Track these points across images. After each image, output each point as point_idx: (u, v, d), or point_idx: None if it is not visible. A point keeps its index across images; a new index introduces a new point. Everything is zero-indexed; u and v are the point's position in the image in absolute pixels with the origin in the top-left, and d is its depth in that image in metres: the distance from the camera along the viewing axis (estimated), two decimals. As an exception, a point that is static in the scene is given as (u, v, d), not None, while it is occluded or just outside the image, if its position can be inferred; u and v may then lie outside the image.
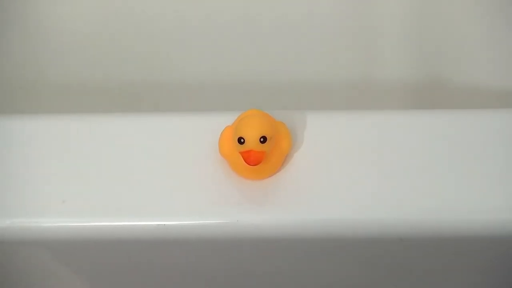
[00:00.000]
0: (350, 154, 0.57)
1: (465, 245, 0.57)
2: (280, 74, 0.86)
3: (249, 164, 0.53)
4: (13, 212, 0.55)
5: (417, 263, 0.60)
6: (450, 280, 0.63)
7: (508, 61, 0.82)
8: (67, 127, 0.58)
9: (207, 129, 0.57)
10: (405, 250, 0.57)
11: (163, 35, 0.88)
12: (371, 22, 0.89)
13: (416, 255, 0.58)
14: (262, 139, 0.52)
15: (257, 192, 0.55)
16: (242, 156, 0.53)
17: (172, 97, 0.85)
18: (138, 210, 0.55)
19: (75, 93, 0.85)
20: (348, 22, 0.89)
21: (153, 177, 0.56)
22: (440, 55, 0.86)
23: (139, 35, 0.88)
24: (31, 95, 0.85)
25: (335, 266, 0.60)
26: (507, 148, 0.57)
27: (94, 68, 0.86)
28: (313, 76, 0.86)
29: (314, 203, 0.55)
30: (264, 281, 0.62)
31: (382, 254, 0.58)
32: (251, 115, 0.54)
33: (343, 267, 0.61)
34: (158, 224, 0.54)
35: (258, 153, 0.53)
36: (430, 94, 0.84)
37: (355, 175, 0.56)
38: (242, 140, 0.52)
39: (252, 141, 0.52)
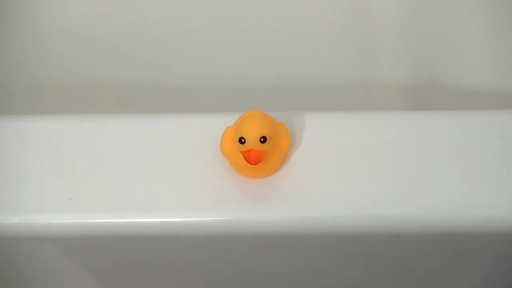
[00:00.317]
0: (347, 154, 0.57)
1: (461, 242, 0.57)
2: (279, 76, 0.86)
3: (249, 163, 0.53)
4: (22, 209, 0.55)
5: (415, 262, 0.60)
6: (449, 280, 0.63)
7: (503, 63, 0.82)
8: (74, 127, 0.58)
9: (209, 130, 0.57)
10: (403, 248, 0.57)
11: (166, 39, 0.88)
12: (369, 25, 0.89)
13: (414, 253, 0.58)
14: (262, 139, 0.52)
15: (257, 190, 0.55)
16: (243, 156, 0.53)
17: (175, 99, 0.84)
18: (142, 207, 0.55)
19: (80, 95, 0.85)
20: (346, 25, 0.89)
21: (157, 175, 0.56)
22: (437, 57, 0.86)
23: (142, 39, 0.88)
24: (34, 97, 0.85)
25: (333, 263, 0.61)
26: (502, 147, 0.57)
27: (99, 70, 0.86)
28: (312, 78, 0.86)
29: (312, 201, 0.55)
30: (264, 276, 0.63)
31: (380, 251, 0.58)
32: (252, 116, 0.54)
33: (341, 264, 0.61)
34: (162, 221, 0.54)
35: (258, 153, 0.53)
36: (427, 95, 0.84)
37: (352, 174, 0.56)
38: (243, 140, 0.52)
39: (252, 141, 0.52)
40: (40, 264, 0.60)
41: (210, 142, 0.56)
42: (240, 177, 0.56)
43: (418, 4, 0.89)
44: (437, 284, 0.63)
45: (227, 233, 0.55)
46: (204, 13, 0.90)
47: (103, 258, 0.59)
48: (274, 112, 0.56)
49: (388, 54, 0.87)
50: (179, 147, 0.57)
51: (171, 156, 0.57)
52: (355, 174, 0.56)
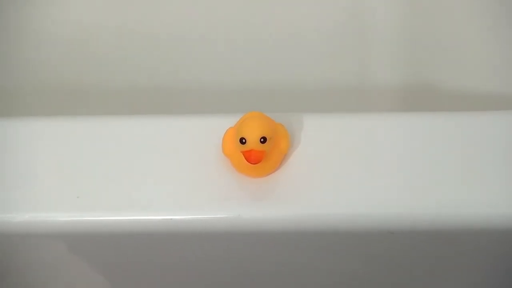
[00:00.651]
0: (345, 153, 0.57)
1: (457, 240, 0.57)
2: (279, 79, 0.86)
3: (250, 163, 0.53)
4: (31, 207, 0.55)
5: (414, 261, 0.60)
6: (448, 280, 0.63)
7: (497, 65, 0.82)
8: (82, 129, 0.58)
9: (211, 130, 0.57)
10: (401, 247, 0.58)
11: (171, 44, 0.88)
12: (366, 30, 0.89)
13: (412, 251, 0.59)
14: (262, 140, 0.53)
15: (258, 188, 0.55)
16: (244, 155, 0.53)
17: (178, 101, 0.85)
18: (147, 205, 0.55)
19: (87, 98, 0.85)
20: (344, 29, 0.89)
21: (161, 174, 0.56)
22: (432, 61, 0.86)
23: (146, 43, 0.88)
24: (43, 99, 0.85)
25: (331, 260, 0.61)
26: (496, 147, 0.57)
27: (105, 74, 0.86)
28: (311, 80, 0.86)
29: (311, 199, 0.55)
30: (264, 272, 0.63)
31: (378, 249, 0.58)
32: (252, 117, 0.54)
33: (339, 261, 0.61)
34: (166, 218, 0.55)
35: (258, 153, 0.53)
36: (422, 97, 0.84)
37: (349, 173, 0.56)
38: (243, 140, 0.53)
39: (253, 141, 0.52)
40: (47, 261, 0.60)
41: (212, 142, 0.56)
42: (241, 176, 0.56)
43: (414, 9, 0.88)
44: (437, 284, 0.63)
45: (229, 230, 0.55)
46: (207, 19, 0.90)
47: (109, 254, 0.59)
48: (274, 114, 0.56)
49: (385, 57, 0.87)
50: (182, 147, 0.57)
51: (175, 156, 0.57)
52: (352, 173, 0.56)
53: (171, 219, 0.55)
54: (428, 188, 0.55)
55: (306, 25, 0.89)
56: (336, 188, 0.55)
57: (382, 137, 0.57)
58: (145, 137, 0.58)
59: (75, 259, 0.60)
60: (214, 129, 0.57)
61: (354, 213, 0.55)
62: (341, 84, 0.86)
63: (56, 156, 0.57)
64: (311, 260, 0.61)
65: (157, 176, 0.56)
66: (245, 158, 0.53)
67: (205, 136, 0.57)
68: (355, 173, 0.56)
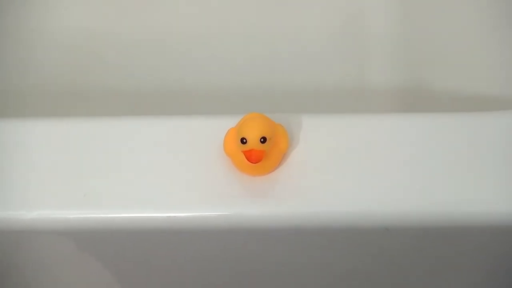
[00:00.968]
0: (342, 153, 0.57)
1: (452, 238, 0.57)
2: (279, 81, 0.86)
3: (250, 162, 0.53)
4: (39, 205, 0.55)
5: (409, 259, 0.61)
6: (448, 280, 0.63)
7: (489, 68, 0.81)
8: (88, 129, 0.58)
9: (213, 131, 0.57)
10: (394, 243, 0.58)
11: (174, 48, 0.88)
12: (363, 33, 0.89)
13: (411, 250, 0.59)
14: (262, 140, 0.53)
15: (258, 186, 0.55)
16: (245, 155, 0.53)
17: (181, 103, 0.84)
18: (151, 203, 0.55)
19: (94, 100, 0.85)
20: (341, 33, 0.89)
21: (164, 173, 0.56)
22: (427, 63, 0.85)
23: (151, 48, 0.88)
24: (50, 101, 0.85)
25: (328, 256, 0.61)
26: (489, 147, 0.57)
27: (112, 77, 0.86)
28: (309, 82, 0.85)
29: (309, 197, 0.55)
30: (263, 268, 0.63)
31: (375, 246, 0.59)
32: (252, 118, 0.54)
33: (336, 258, 0.61)
34: (169, 216, 0.55)
35: (258, 152, 0.53)
36: (417, 99, 0.84)
37: (346, 172, 0.56)
38: (244, 140, 0.53)
39: (253, 141, 0.53)
40: (55, 256, 0.61)
41: (214, 142, 0.57)
42: (241, 174, 0.56)
43: (410, 13, 0.88)
44: (436, 282, 0.64)
45: (230, 227, 0.55)
46: (208, 23, 0.90)
47: (114, 250, 0.60)
48: (273, 114, 0.56)
49: (382, 60, 0.87)
50: (185, 147, 0.57)
51: (178, 155, 0.57)
52: (349, 172, 0.56)
53: (174, 216, 0.55)
54: (424, 187, 0.55)
55: (305, 28, 0.89)
56: (333, 186, 0.55)
57: (379, 137, 0.57)
58: (148, 138, 0.58)
59: (81, 255, 0.60)
60: (216, 129, 0.57)
61: (351, 211, 0.55)
62: (339, 86, 0.86)
63: (64, 156, 0.57)
64: (309, 256, 0.61)
65: (161, 174, 0.56)
66: (246, 158, 0.53)
67: (207, 136, 0.57)
68: (352, 172, 0.56)
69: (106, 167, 0.56)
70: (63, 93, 0.86)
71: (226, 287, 0.65)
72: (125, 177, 0.56)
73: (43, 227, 0.55)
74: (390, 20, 0.89)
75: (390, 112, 0.84)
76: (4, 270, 0.62)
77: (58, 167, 0.56)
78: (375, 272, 0.63)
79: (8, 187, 0.56)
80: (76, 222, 0.55)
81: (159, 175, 0.56)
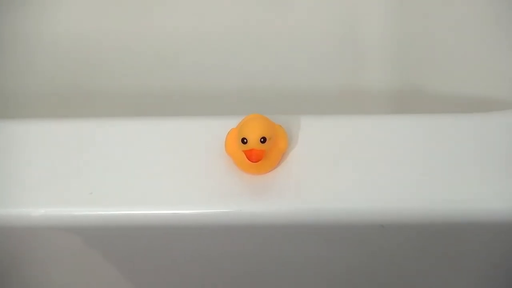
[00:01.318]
0: (338, 152, 0.57)
1: (445, 235, 0.57)
2: (278, 84, 0.86)
3: (251, 161, 0.53)
4: (47, 202, 0.55)
5: (405, 255, 0.60)
6: (444, 278, 0.63)
7: (480, 70, 0.81)
8: (94, 130, 0.58)
9: (215, 131, 0.57)
10: (391, 239, 0.58)
11: (177, 52, 0.88)
12: (359, 37, 0.88)
13: (403, 245, 0.59)
14: (262, 140, 0.53)
15: (258, 185, 0.55)
16: (245, 154, 0.53)
17: (184, 104, 0.84)
18: (155, 201, 0.55)
19: (99, 101, 0.85)
20: (338, 37, 0.88)
21: (168, 172, 0.56)
22: (420, 66, 0.85)
23: (155, 52, 0.88)
24: (58, 102, 0.85)
25: (325, 252, 0.60)
26: (478, 147, 0.57)
27: (117, 79, 0.86)
28: (307, 85, 0.85)
29: (307, 194, 0.55)
30: (263, 263, 0.63)
31: (369, 241, 0.58)
32: (253, 119, 0.54)
33: (333, 253, 0.61)
34: (172, 213, 0.55)
35: (259, 152, 0.53)
36: (410, 100, 0.84)
37: (343, 171, 0.56)
38: (245, 140, 0.53)
39: (253, 141, 0.53)
40: (62, 252, 0.60)
41: (216, 142, 0.57)
42: (242, 173, 0.56)
43: (404, 18, 0.88)
44: (434, 281, 0.64)
45: (231, 223, 0.55)
46: (210, 28, 0.89)
47: (118, 247, 0.60)
48: (273, 116, 0.56)
49: (377, 63, 0.87)
50: (188, 147, 0.57)
51: (181, 155, 0.57)
52: (345, 171, 0.56)
53: (177, 213, 0.55)
54: (418, 185, 0.55)
55: (303, 33, 0.89)
56: (330, 184, 0.55)
57: (375, 138, 0.58)
58: (152, 138, 0.58)
59: (87, 251, 0.60)
60: (218, 130, 0.57)
61: (347, 208, 0.55)
62: (336, 88, 0.86)
63: (70, 156, 0.57)
64: (308, 253, 0.61)
65: (164, 173, 0.56)
66: (247, 157, 0.53)
67: (209, 136, 0.57)
68: (348, 171, 0.56)
69: (111, 166, 0.57)
70: (67, 95, 0.85)
71: (227, 283, 0.65)
72: (130, 176, 0.56)
73: (50, 224, 0.55)
74: (387, 24, 0.88)
75: (385, 113, 0.84)
76: (12, 265, 0.62)
77: (65, 167, 0.57)
78: (374, 269, 0.63)
79: (18, 185, 0.56)
80: (82, 219, 0.55)
81: (163, 173, 0.56)
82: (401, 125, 0.58)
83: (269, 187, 0.55)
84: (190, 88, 0.86)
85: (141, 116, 0.60)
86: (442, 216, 0.55)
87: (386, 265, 0.62)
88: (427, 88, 0.84)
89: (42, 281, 0.64)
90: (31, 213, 0.55)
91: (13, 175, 0.56)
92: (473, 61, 0.82)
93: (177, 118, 0.59)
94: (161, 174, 0.56)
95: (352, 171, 0.56)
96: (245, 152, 0.53)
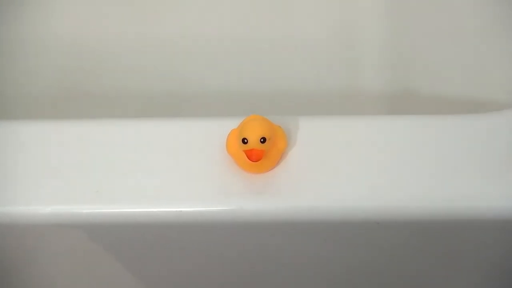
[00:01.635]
0: (336, 152, 0.57)
1: (440, 232, 0.58)
2: (277, 86, 0.86)
3: (251, 161, 0.53)
4: (54, 200, 0.55)
5: (401, 252, 0.60)
6: (443, 276, 0.63)
7: (471, 72, 0.81)
8: (100, 130, 0.58)
9: (216, 131, 0.57)
10: (387, 236, 0.58)
11: (180, 56, 0.88)
12: (354, 41, 0.88)
13: (399, 242, 0.59)
14: (262, 140, 0.53)
15: (258, 183, 0.56)
16: (246, 154, 0.54)
17: (186, 106, 0.84)
18: (159, 199, 0.55)
19: (104, 102, 0.85)
20: (334, 41, 0.89)
21: (172, 171, 0.56)
22: (413, 69, 0.85)
23: (158, 55, 0.88)
24: (65, 104, 0.85)
25: (323, 248, 0.61)
26: (469, 147, 0.57)
27: (122, 80, 0.86)
28: (305, 87, 0.86)
29: (305, 193, 0.55)
30: (263, 260, 0.63)
31: (366, 238, 0.58)
32: (253, 120, 0.54)
33: (330, 250, 0.61)
34: (176, 210, 0.55)
35: (259, 151, 0.53)
36: (404, 102, 0.84)
37: (340, 170, 0.56)
38: (245, 141, 0.53)
39: (254, 141, 0.53)
40: (67, 249, 0.61)
41: (217, 142, 0.57)
42: (243, 172, 0.56)
43: (397, 22, 0.88)
44: (435, 280, 0.64)
45: (232, 220, 0.55)
46: (212, 32, 0.89)
47: (124, 244, 0.60)
48: (273, 116, 0.57)
49: (371, 66, 0.87)
50: (191, 147, 0.57)
51: (184, 154, 0.57)
52: (342, 170, 0.56)
53: (180, 211, 0.55)
54: (412, 183, 0.55)
55: (302, 37, 0.89)
56: (328, 182, 0.56)
57: (370, 137, 0.58)
58: (156, 138, 0.58)
59: (93, 248, 0.60)
60: (219, 130, 0.57)
61: (344, 205, 0.55)
62: (333, 90, 0.86)
63: (77, 155, 0.57)
64: (306, 249, 0.61)
65: (168, 172, 0.56)
66: (247, 156, 0.54)
67: (210, 136, 0.57)
68: (345, 170, 0.56)
69: (116, 166, 0.57)
70: (70, 97, 0.85)
71: (228, 279, 0.65)
72: (134, 175, 0.56)
73: (58, 221, 0.55)
74: (381, 28, 0.88)
75: (379, 114, 0.84)
76: (20, 262, 0.62)
77: (72, 166, 0.57)
78: (373, 268, 0.63)
79: (27, 183, 0.56)
80: (88, 216, 0.55)
81: (166, 172, 0.56)
82: (397, 125, 0.58)
83: (268, 185, 0.55)
84: (192, 90, 0.86)
85: (145, 117, 0.60)
86: (437, 213, 0.55)
87: (384, 264, 0.62)
88: (421, 90, 0.84)
89: (47, 277, 0.64)
90: (39, 211, 0.55)
91: (22, 174, 0.56)
92: (466, 64, 0.82)
93: (180, 119, 0.59)
94: (165, 173, 0.56)
95: (349, 170, 0.56)
96: (246, 152, 0.54)
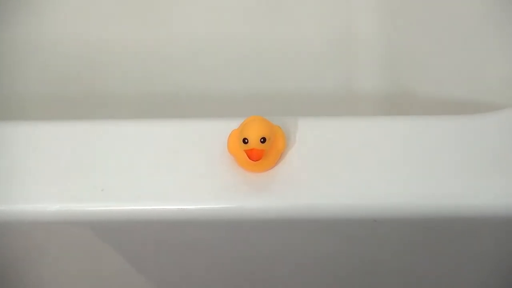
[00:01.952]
0: (334, 151, 0.57)
1: (436, 230, 0.58)
2: (277, 88, 0.86)
3: (251, 160, 0.54)
4: (61, 198, 0.56)
5: (397, 249, 0.60)
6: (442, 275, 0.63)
7: (466, 75, 0.81)
8: (105, 131, 0.58)
9: (218, 132, 0.57)
10: (383, 233, 0.58)
11: (183, 59, 0.88)
12: (352, 44, 0.88)
13: (394, 238, 0.59)
14: (262, 140, 0.53)
15: (258, 182, 0.56)
16: (246, 153, 0.54)
17: (189, 107, 0.85)
18: (162, 197, 0.55)
19: (109, 104, 0.85)
20: (333, 44, 0.89)
21: (175, 170, 0.56)
22: (409, 71, 0.85)
23: (161, 58, 0.88)
24: (72, 106, 0.85)
25: (320, 245, 0.61)
26: (462, 146, 0.57)
27: (127, 84, 0.86)
28: (304, 88, 0.86)
29: (304, 191, 0.55)
30: (262, 257, 0.63)
31: (363, 235, 0.58)
32: (253, 120, 0.54)
33: (328, 247, 0.61)
34: (179, 208, 0.55)
35: (259, 151, 0.53)
36: (400, 103, 0.84)
37: (337, 169, 0.56)
38: (246, 141, 0.53)
39: (254, 141, 0.53)
40: (74, 245, 0.61)
41: (219, 142, 0.57)
42: (243, 171, 0.56)
43: (393, 26, 0.88)
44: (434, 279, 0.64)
45: (233, 218, 0.56)
46: (213, 35, 0.89)
47: (129, 240, 0.60)
48: (272, 117, 0.57)
49: (368, 68, 0.87)
50: (193, 146, 0.57)
51: (186, 154, 0.57)
52: (340, 169, 0.56)
53: (183, 208, 0.55)
54: (407, 182, 0.56)
55: (300, 39, 0.89)
56: (326, 181, 0.56)
57: (368, 138, 0.58)
58: (160, 138, 0.58)
59: (99, 244, 0.60)
60: (220, 130, 0.57)
61: (341, 203, 0.55)
62: (331, 91, 0.86)
63: (83, 155, 0.57)
64: (304, 246, 0.60)
65: (171, 171, 0.56)
66: (247, 156, 0.54)
67: (212, 136, 0.57)
68: (342, 169, 0.56)
69: (121, 165, 0.57)
70: (75, 98, 0.86)
71: (229, 276, 0.66)
72: (139, 174, 0.56)
73: (65, 218, 0.56)
74: (378, 30, 0.88)
75: (376, 114, 0.83)
76: (28, 257, 0.62)
77: (79, 166, 0.57)
78: (370, 263, 0.63)
79: (36, 182, 0.56)
80: (94, 213, 0.56)
81: (170, 171, 0.56)
82: (393, 125, 0.58)
83: (268, 184, 0.56)
84: (194, 92, 0.86)
85: (149, 118, 0.60)
86: (432, 211, 0.55)
87: (382, 261, 0.62)
88: (417, 91, 0.84)
89: (54, 273, 0.65)
90: (47, 208, 0.55)
91: (31, 173, 0.57)
92: (462, 65, 0.82)
93: (183, 120, 0.59)
94: (168, 172, 0.56)
95: (346, 169, 0.56)
96: (246, 151, 0.54)
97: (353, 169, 0.56)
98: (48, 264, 0.63)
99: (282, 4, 0.91)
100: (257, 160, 0.54)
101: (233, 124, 0.57)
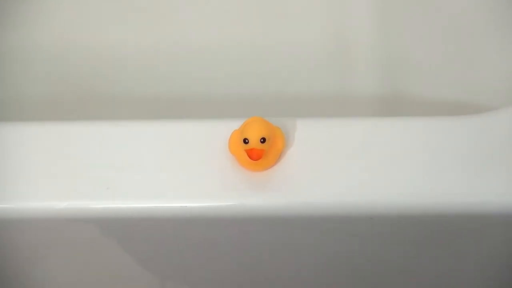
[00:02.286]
0: (332, 151, 0.57)
1: (434, 229, 0.58)
2: (276, 89, 0.86)
3: (252, 159, 0.54)
4: (68, 197, 0.56)
5: (394, 247, 0.60)
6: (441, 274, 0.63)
7: (459, 76, 0.81)
8: (110, 131, 0.59)
9: (219, 132, 0.57)
10: (380, 231, 0.58)
11: (184, 60, 0.88)
12: (347, 46, 0.88)
13: (391, 236, 0.58)
14: (262, 140, 0.53)
15: (258, 181, 0.56)
16: (247, 153, 0.54)
17: (191, 108, 0.85)
18: (165, 195, 0.55)
19: (113, 105, 0.85)
20: (328, 46, 0.89)
21: (177, 169, 0.56)
22: (404, 73, 0.85)
23: (163, 60, 0.88)
24: (78, 107, 0.85)
25: (319, 242, 0.60)
26: (456, 146, 0.57)
27: (132, 85, 0.86)
28: (302, 90, 0.85)
29: (302, 189, 0.55)
30: (262, 253, 0.63)
31: (361, 233, 0.58)
32: (253, 121, 0.55)
33: (326, 244, 0.61)
34: (181, 206, 0.56)
35: (259, 151, 0.53)
36: (395, 104, 0.83)
37: (334, 167, 0.56)
38: (246, 141, 0.53)
39: (254, 141, 0.53)
40: (81, 243, 0.61)
41: (220, 142, 0.57)
42: (244, 170, 0.56)
43: (388, 28, 0.88)
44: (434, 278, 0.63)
45: (234, 216, 0.56)
46: (215, 38, 0.89)
47: (133, 237, 0.60)
48: (272, 118, 0.57)
49: (363, 70, 0.86)
50: (195, 146, 0.57)
51: (189, 154, 0.57)
52: (337, 168, 0.56)
53: (186, 206, 0.55)
54: (402, 181, 0.56)
55: (298, 44, 0.88)
56: (324, 180, 0.56)
57: (363, 137, 0.58)
58: (163, 138, 0.58)
59: (105, 241, 0.60)
60: (222, 131, 0.57)
61: (338, 201, 0.55)
62: (329, 94, 0.86)
63: (89, 154, 0.57)
64: (303, 242, 0.60)
65: (174, 170, 0.56)
66: (248, 155, 0.54)
67: (214, 137, 0.57)
68: (340, 168, 0.56)
69: (126, 164, 0.57)
70: (78, 100, 0.85)
71: (229, 273, 0.65)
72: (143, 173, 0.56)
73: (72, 216, 0.56)
74: (373, 32, 0.88)
75: (371, 116, 0.83)
76: (35, 253, 0.62)
77: (84, 165, 0.57)
78: (369, 260, 0.62)
79: (43, 181, 0.56)
80: (100, 211, 0.56)
81: (172, 171, 0.56)
82: (389, 126, 0.58)
83: (268, 182, 0.56)
84: (196, 94, 0.86)
85: (153, 119, 0.60)
86: (426, 209, 0.55)
87: (380, 258, 0.62)
88: (413, 92, 0.84)
89: (60, 269, 0.65)
90: (54, 206, 0.56)
91: (39, 171, 0.57)
92: (457, 66, 0.82)
93: (186, 121, 0.59)
94: (171, 171, 0.56)
95: (343, 168, 0.56)
96: (247, 151, 0.54)
97: (350, 168, 0.56)
98: (53, 261, 0.63)
99: (280, 9, 0.91)
100: (257, 160, 0.54)
101: (234, 125, 0.57)
